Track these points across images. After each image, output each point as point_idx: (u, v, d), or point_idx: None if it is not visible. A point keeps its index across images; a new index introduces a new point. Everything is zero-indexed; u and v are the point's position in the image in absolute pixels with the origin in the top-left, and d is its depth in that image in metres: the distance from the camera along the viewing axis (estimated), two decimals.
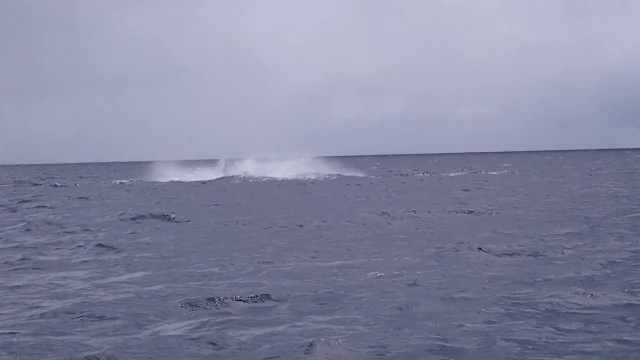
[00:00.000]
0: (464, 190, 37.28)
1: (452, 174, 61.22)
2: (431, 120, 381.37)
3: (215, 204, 30.33)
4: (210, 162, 67.19)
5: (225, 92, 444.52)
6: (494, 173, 61.67)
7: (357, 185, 45.69)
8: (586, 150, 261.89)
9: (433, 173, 64.72)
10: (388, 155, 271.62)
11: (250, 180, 54.73)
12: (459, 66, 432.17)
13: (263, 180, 55.08)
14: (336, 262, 14.27)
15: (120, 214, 25.69)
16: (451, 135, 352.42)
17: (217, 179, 57.60)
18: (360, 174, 60.97)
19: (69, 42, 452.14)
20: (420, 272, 12.87)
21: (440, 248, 15.77)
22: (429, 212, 23.83)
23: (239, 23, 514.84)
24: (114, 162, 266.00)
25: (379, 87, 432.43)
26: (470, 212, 23.67)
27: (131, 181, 59.58)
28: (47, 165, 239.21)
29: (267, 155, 66.50)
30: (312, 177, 56.66)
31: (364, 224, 21.11)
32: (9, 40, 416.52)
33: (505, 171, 66.57)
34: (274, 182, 51.99)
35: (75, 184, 57.81)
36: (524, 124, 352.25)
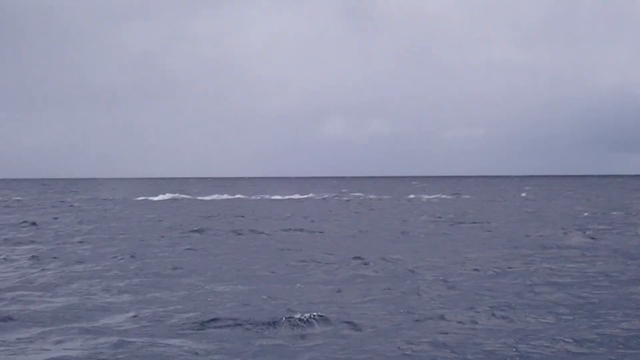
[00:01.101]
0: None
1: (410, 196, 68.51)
2: (419, 142, 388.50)
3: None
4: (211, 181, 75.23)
5: (214, 109, 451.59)
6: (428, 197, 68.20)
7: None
8: (580, 175, 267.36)
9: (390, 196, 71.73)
10: (374, 177, 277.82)
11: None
12: (448, 87, 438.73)
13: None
14: None
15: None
16: (438, 157, 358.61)
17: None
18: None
19: (61, 56, 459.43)
20: None
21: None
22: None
23: (230, 39, 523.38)
24: (104, 178, 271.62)
25: (368, 107, 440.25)
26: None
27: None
28: (37, 179, 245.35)
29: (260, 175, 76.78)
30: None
31: None
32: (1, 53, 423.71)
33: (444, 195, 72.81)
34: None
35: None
36: (510, 147, 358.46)
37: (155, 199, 64.17)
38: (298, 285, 15.66)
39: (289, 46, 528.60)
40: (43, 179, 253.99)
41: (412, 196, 71.08)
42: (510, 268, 17.70)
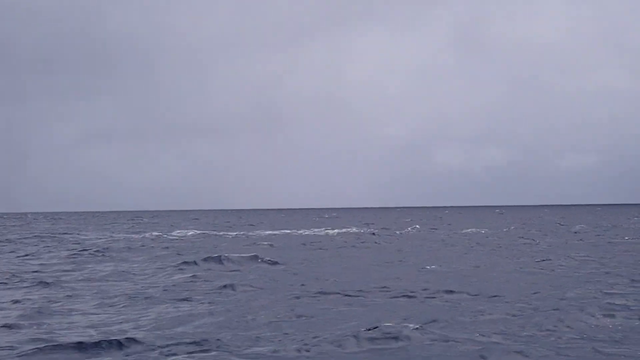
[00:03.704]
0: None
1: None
2: (532, 170, 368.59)
3: None
4: (316, 212, 67.12)
5: (324, 142, 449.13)
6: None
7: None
8: None
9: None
10: (488, 206, 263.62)
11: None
12: (561, 115, 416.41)
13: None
14: None
15: None
16: (550, 186, 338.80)
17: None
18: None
19: (168, 89, 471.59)
20: None
21: None
22: None
23: (339, 71, 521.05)
24: (217, 210, 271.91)
25: (480, 135, 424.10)
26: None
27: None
28: (141, 212, 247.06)
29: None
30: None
31: None
32: (113, 84, 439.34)
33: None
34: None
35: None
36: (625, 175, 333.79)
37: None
38: None
39: (400, 75, 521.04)
40: (151, 211, 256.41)
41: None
42: None
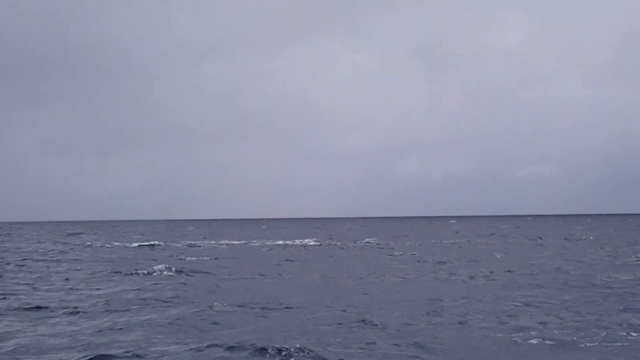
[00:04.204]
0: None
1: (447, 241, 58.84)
2: (492, 181, 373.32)
3: None
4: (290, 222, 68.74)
5: (290, 148, 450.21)
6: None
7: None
8: None
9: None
10: (449, 216, 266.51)
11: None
12: (521, 124, 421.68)
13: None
14: None
15: None
16: (510, 196, 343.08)
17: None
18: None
19: (140, 95, 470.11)
20: None
21: None
22: None
23: (309, 80, 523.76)
24: (185, 220, 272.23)
25: (442, 146, 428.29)
26: None
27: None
28: (115, 221, 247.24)
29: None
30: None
31: None
32: (81, 92, 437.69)
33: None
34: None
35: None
36: (586, 186, 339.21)
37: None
38: None
39: (362, 86, 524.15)
40: (124, 221, 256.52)
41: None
42: None
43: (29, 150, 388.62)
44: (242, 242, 62.78)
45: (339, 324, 15.97)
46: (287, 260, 38.27)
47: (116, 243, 61.79)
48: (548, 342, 13.92)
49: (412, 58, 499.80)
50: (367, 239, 65.13)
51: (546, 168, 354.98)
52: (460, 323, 16.09)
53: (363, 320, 16.20)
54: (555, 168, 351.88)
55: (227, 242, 63.17)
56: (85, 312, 18.39)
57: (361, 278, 27.17)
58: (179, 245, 57.70)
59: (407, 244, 57.38)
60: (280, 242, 62.05)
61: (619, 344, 13.72)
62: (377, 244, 56.70)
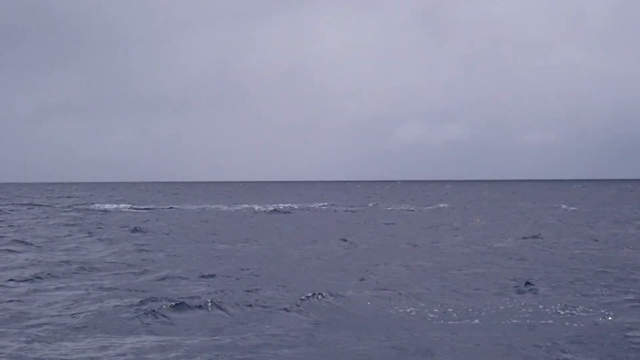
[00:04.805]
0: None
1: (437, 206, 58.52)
2: (493, 146, 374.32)
3: None
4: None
5: (286, 115, 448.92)
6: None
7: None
8: None
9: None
10: (450, 180, 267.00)
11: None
12: (522, 91, 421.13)
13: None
14: None
15: None
16: (513, 162, 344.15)
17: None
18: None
19: (130, 63, 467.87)
20: None
21: None
22: None
23: (302, 45, 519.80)
24: (173, 182, 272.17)
25: (441, 111, 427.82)
26: None
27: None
28: (103, 183, 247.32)
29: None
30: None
31: None
32: (71, 58, 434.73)
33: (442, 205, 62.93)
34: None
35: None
36: (586, 152, 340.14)
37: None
38: None
39: (362, 52, 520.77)
40: (113, 183, 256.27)
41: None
42: None
43: (31, 112, 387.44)
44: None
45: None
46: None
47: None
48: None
49: (412, 25, 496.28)
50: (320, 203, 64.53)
51: (547, 134, 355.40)
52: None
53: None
54: (556, 134, 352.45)
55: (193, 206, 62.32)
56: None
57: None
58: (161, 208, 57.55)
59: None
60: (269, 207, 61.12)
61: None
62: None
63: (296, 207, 58.85)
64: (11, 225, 35.92)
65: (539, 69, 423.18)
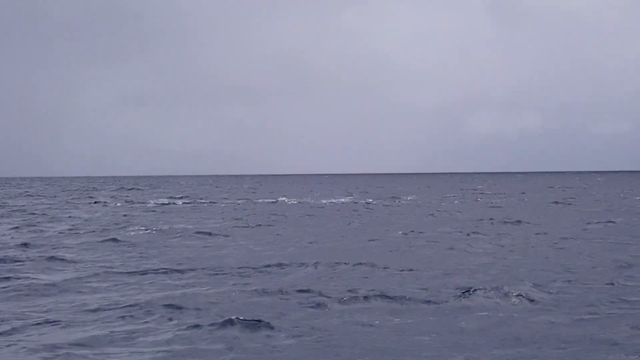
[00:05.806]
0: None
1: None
2: (567, 136, 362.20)
3: None
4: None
5: (360, 103, 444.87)
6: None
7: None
8: None
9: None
10: (523, 172, 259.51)
11: None
12: (597, 78, 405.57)
13: None
14: None
15: None
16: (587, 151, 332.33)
17: None
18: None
19: (205, 54, 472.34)
20: None
21: None
22: None
23: (377, 35, 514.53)
24: (245, 175, 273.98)
25: (516, 101, 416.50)
26: None
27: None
28: (175, 176, 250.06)
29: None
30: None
31: None
32: (145, 49, 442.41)
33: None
34: None
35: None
36: None
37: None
38: None
39: (435, 40, 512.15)
40: (186, 176, 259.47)
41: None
42: None
43: (105, 104, 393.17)
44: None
45: None
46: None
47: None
48: None
49: (487, 15, 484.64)
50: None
51: (622, 125, 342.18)
52: None
53: None
54: (629, 125, 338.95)
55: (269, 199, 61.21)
56: None
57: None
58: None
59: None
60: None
61: None
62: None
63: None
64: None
65: (611, 59, 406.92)
